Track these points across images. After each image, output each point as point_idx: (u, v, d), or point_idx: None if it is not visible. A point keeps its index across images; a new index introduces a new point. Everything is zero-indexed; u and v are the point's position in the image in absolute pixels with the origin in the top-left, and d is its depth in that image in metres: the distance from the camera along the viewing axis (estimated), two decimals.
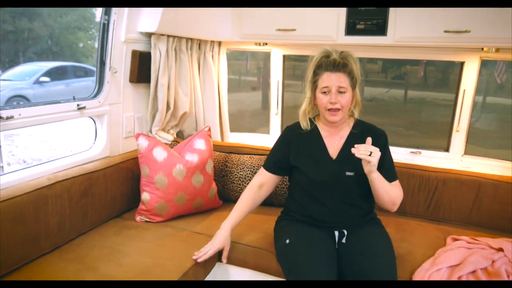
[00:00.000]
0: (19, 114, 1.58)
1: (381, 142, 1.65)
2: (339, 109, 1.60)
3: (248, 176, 2.24)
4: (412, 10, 2.09)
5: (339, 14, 2.23)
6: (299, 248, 1.61)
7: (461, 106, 2.35)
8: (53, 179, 1.65)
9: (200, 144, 2.12)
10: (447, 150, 2.48)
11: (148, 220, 2.00)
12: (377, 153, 1.50)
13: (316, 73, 1.63)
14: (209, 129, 2.23)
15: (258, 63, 3.13)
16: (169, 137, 2.42)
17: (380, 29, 2.19)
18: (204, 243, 1.74)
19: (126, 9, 1.97)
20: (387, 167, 1.65)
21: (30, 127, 1.71)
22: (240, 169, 2.27)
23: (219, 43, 2.63)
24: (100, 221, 1.90)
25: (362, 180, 1.61)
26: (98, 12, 1.97)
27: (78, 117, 1.92)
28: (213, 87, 2.63)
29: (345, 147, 1.67)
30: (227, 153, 2.36)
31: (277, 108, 2.78)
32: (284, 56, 2.69)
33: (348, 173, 1.64)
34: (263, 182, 1.79)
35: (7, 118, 1.51)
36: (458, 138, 2.41)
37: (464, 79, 2.32)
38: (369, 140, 1.53)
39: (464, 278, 1.60)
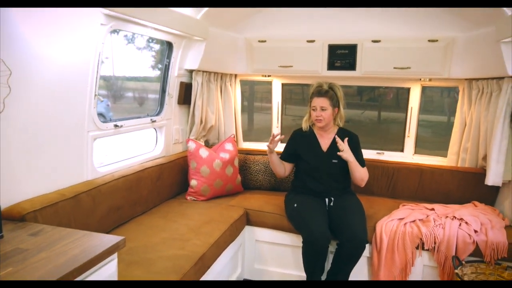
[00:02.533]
0: (123, 125, 2.46)
1: (355, 141, 2.61)
2: (321, 120, 2.55)
3: (261, 170, 3.15)
4: (372, 53, 3.07)
5: (323, 55, 3.20)
6: (303, 209, 2.52)
7: (410, 119, 3.33)
8: (142, 167, 2.53)
9: (229, 146, 3.03)
10: (402, 151, 3.44)
11: (195, 199, 2.86)
12: (347, 148, 2.48)
13: (311, 98, 2.59)
14: (234, 136, 3.15)
15: (243, 88, 3.68)
16: (201, 143, 3.30)
17: (351, 66, 3.16)
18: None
19: (179, 54, 2.90)
20: (359, 158, 2.60)
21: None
22: (256, 164, 3.17)
23: (235, 76, 3.57)
24: (166, 198, 2.77)
25: (343, 166, 2.55)
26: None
27: (150, 128, 2.81)
28: (231, 108, 3.54)
29: (332, 144, 2.61)
30: (245, 154, 3.27)
31: (278, 122, 3.71)
32: (282, 85, 3.64)
33: (333, 161, 2.58)
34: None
35: (120, 126, 2.39)
36: (409, 142, 3.38)
37: (411, 99, 3.31)
38: (345, 140, 2.49)
39: (407, 225, 2.51)
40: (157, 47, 3.10)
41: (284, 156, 2.73)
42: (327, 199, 2.59)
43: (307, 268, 2.45)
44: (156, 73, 3.02)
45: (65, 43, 1.86)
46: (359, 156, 2.63)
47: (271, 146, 2.53)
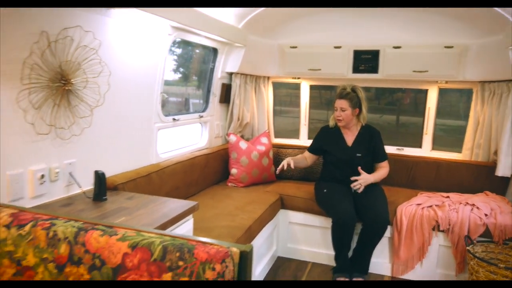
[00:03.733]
0: (179, 119, 2.88)
1: (377, 136, 2.97)
2: (340, 120, 2.91)
3: None
4: (393, 58, 3.42)
5: (348, 59, 3.56)
6: (332, 194, 2.88)
7: (428, 118, 3.65)
8: (192, 155, 2.95)
9: (264, 140, 3.43)
10: (420, 147, 3.76)
11: (235, 185, 3.26)
12: (363, 179, 2.78)
13: (335, 99, 2.94)
14: (268, 132, 3.54)
15: None
16: (240, 137, 3.71)
17: (374, 69, 3.52)
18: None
19: (222, 59, 3.31)
20: (381, 152, 2.95)
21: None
22: (287, 157, 3.55)
23: (268, 78, 3.97)
24: (211, 183, 3.19)
25: (366, 159, 2.91)
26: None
27: (197, 122, 3.23)
28: (264, 107, 3.94)
29: (356, 140, 2.96)
30: (277, 148, 3.66)
31: (306, 121, 4.08)
32: (310, 86, 4.02)
33: (357, 155, 2.94)
34: (306, 157, 3.09)
35: (177, 120, 2.82)
36: (427, 138, 3.70)
37: (429, 100, 3.63)
38: (359, 178, 2.80)
39: (425, 209, 2.85)
40: (178, 51, 3.31)
41: (311, 149, 3.11)
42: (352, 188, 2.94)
43: (335, 246, 2.81)
44: (177, 76, 3.30)
45: (140, 50, 2.29)
46: (381, 150, 2.98)
47: (289, 163, 2.83)
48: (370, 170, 2.97)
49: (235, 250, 1.09)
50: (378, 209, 2.75)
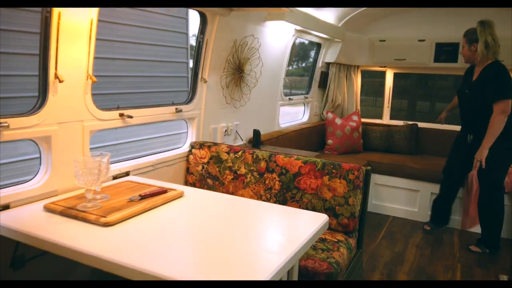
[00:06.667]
0: (293, 98, 3.78)
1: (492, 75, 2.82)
2: (463, 56, 3.05)
3: (377, 136, 4.27)
4: None
5: (431, 51, 4.16)
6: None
7: None
8: (300, 127, 3.84)
9: (355, 117, 4.22)
10: None
11: (330, 153, 4.10)
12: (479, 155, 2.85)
13: None
14: (359, 111, 4.31)
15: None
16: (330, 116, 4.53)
17: (454, 58, 4.09)
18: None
19: (324, 51, 4.14)
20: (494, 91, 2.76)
21: None
22: (373, 132, 4.30)
23: (358, 67, 4.71)
24: (312, 150, 4.06)
25: (475, 100, 2.88)
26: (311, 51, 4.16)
27: (303, 102, 4.11)
28: (353, 91, 4.70)
29: (478, 77, 2.90)
30: (365, 125, 4.42)
31: (389, 102, 4.75)
32: (394, 74, 4.68)
33: (466, 91, 2.99)
34: None
35: (291, 99, 3.72)
36: None
37: None
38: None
39: None
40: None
41: None
42: (468, 135, 3.07)
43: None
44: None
45: (276, 48, 3.20)
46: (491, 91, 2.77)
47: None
48: (484, 115, 2.82)
49: (364, 167, 1.95)
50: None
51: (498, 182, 3.01)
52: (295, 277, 1.42)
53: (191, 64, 7.29)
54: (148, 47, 6.07)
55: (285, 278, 1.33)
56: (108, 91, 4.74)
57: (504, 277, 2.67)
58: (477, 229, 3.42)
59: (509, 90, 2.75)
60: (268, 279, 1.03)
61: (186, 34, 7.26)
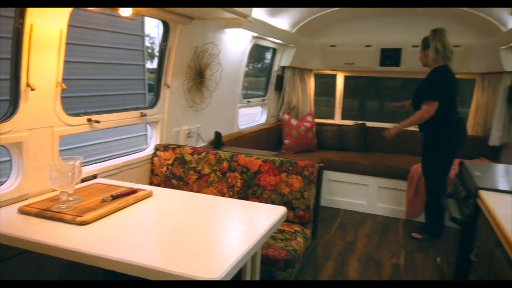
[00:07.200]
0: (251, 101, 3.96)
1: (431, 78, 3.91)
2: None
3: (329, 136, 4.56)
4: (412, 54, 4.35)
5: (376, 56, 4.52)
6: None
7: None
8: (258, 128, 4.03)
9: (309, 118, 4.49)
10: None
11: (287, 152, 4.34)
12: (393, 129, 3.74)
13: None
14: (313, 112, 4.59)
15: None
16: (286, 117, 4.77)
17: (397, 63, 4.47)
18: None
19: (279, 56, 4.36)
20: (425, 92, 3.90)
21: None
22: (326, 131, 4.60)
23: (311, 70, 4.99)
24: (269, 150, 4.27)
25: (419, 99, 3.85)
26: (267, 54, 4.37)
27: (260, 104, 4.31)
28: (306, 93, 4.97)
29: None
30: (318, 125, 4.70)
31: (340, 104, 5.08)
32: (344, 77, 5.01)
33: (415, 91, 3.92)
34: None
35: (249, 102, 3.90)
36: None
37: None
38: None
39: None
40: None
41: None
42: (420, 133, 3.30)
43: None
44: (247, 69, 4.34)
45: (234, 53, 3.36)
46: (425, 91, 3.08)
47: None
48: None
49: (317, 164, 2.17)
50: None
51: (441, 179, 3.26)
52: (258, 263, 1.59)
53: (148, 66, 7.28)
54: (104, 50, 6.01)
55: (249, 264, 1.50)
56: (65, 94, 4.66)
57: (439, 259, 3.02)
58: (421, 218, 3.79)
59: (438, 93, 3.03)
60: (235, 263, 1.19)
61: (142, 36, 7.24)
